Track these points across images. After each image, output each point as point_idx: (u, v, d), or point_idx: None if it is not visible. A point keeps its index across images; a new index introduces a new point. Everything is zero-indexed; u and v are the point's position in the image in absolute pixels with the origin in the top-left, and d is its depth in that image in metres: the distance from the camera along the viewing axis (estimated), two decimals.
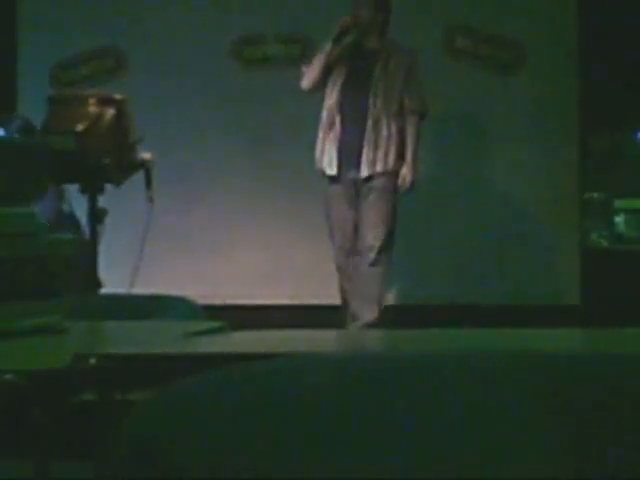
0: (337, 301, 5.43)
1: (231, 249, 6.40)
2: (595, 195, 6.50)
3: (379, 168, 5.17)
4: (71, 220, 4.80)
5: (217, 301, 5.37)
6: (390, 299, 6.11)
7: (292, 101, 6.17)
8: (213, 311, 3.43)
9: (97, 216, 3.85)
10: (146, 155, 4.08)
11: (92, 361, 2.06)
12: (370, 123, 5.15)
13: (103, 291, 4.18)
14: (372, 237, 5.17)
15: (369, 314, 5.16)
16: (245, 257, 6.38)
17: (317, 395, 1.24)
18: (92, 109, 3.79)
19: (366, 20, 5.23)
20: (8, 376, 1.95)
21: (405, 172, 5.21)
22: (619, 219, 6.48)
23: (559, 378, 1.27)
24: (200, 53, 6.45)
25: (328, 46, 5.21)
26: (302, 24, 6.34)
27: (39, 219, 2.72)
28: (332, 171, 5.21)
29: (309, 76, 5.27)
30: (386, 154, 5.18)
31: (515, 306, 6.03)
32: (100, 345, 2.60)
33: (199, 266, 6.33)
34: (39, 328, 2.47)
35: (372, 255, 5.16)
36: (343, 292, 5.35)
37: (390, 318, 5.36)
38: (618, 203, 6.49)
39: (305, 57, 6.01)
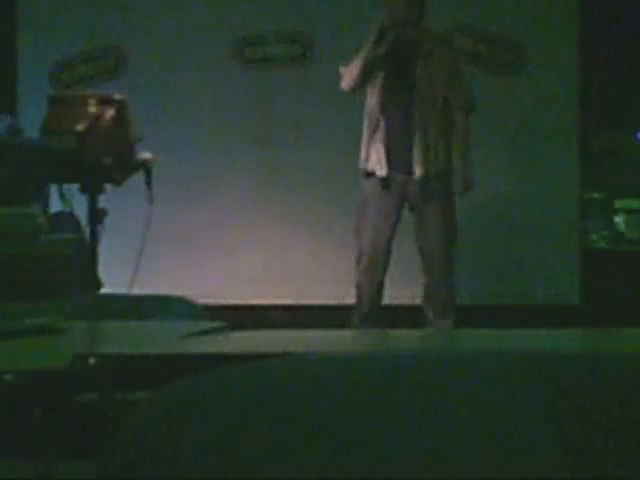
0: (337, 301, 5.43)
1: (231, 249, 6.40)
2: (595, 195, 6.50)
3: (433, 170, 5.03)
4: (71, 220, 4.79)
5: (217, 301, 5.36)
6: (390, 299, 6.10)
7: (293, 101, 6.17)
8: (213, 311, 3.43)
9: (97, 216, 3.85)
10: (146, 155, 4.08)
11: (92, 361, 2.06)
12: (417, 122, 4.99)
13: (103, 291, 4.18)
14: (437, 251, 5.11)
15: (445, 324, 5.13)
16: (245, 257, 6.37)
17: (317, 395, 1.24)
18: (92, 109, 3.79)
19: (399, 13, 5.03)
20: (8, 376, 1.96)
21: (461, 173, 5.06)
22: (619, 219, 6.48)
23: (559, 378, 1.27)
24: (200, 53, 6.44)
25: (367, 48, 5.02)
26: (303, 24, 6.34)
27: (39, 219, 2.72)
28: (382, 172, 5.04)
29: (349, 78, 5.07)
30: (436, 154, 5.04)
31: (515, 306, 6.03)
32: (100, 345, 2.60)
33: (199, 266, 6.33)
34: (39, 328, 2.47)
35: (440, 271, 5.14)
36: (360, 290, 5.24)
37: (390, 318, 5.36)
38: (618, 203, 6.49)
39: (305, 57, 6.02)
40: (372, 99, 5.08)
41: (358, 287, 5.24)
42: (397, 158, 5.03)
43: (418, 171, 5.00)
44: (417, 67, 5.03)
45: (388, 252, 5.20)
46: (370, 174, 5.10)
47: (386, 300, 5.75)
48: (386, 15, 5.04)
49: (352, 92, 5.12)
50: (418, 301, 6.14)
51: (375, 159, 5.05)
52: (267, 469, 1.18)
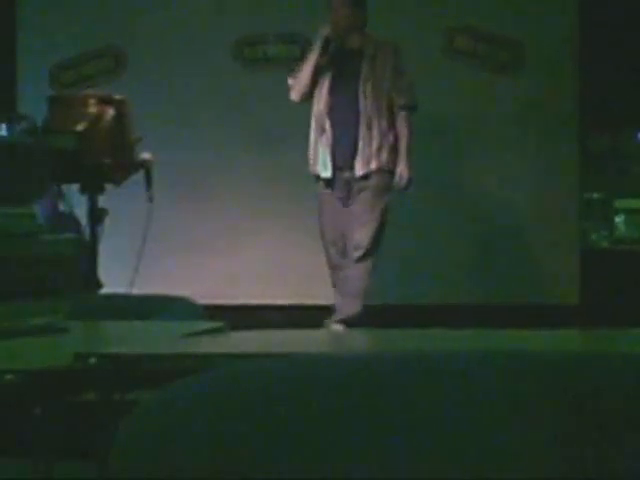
0: None
1: (231, 249, 6.40)
2: (595, 195, 6.50)
3: (373, 166, 5.17)
4: (71, 220, 4.79)
5: (217, 301, 5.36)
6: (391, 299, 6.11)
7: (292, 101, 6.17)
8: (213, 311, 3.43)
9: (97, 216, 3.85)
10: (146, 155, 4.08)
11: (92, 361, 2.06)
12: (362, 123, 5.15)
13: (103, 291, 4.18)
14: (360, 235, 5.16)
15: (348, 309, 5.13)
16: (245, 257, 6.37)
17: (316, 395, 1.25)
18: (92, 109, 3.79)
19: (346, 20, 5.21)
20: (8, 376, 1.96)
21: (401, 170, 5.20)
22: (619, 219, 6.48)
23: (559, 378, 1.27)
24: (200, 53, 6.44)
25: (313, 57, 5.21)
26: (302, 24, 6.34)
27: (39, 219, 2.72)
28: (327, 173, 5.21)
29: (298, 88, 5.28)
30: (379, 151, 5.17)
31: (515, 306, 6.03)
32: (100, 345, 2.60)
33: (199, 266, 6.33)
34: (39, 328, 2.47)
35: (358, 253, 5.16)
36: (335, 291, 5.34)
37: (390, 317, 5.36)
38: (618, 203, 6.49)
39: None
40: (319, 104, 5.24)
41: (334, 288, 5.34)
42: (342, 158, 5.18)
43: (359, 168, 5.16)
44: (362, 71, 5.19)
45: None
46: (318, 177, 5.26)
47: (382, 300, 5.77)
48: (331, 25, 5.21)
49: (301, 101, 5.30)
50: (412, 301, 6.17)
51: (321, 162, 5.21)
52: (266, 469, 1.18)
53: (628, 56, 6.19)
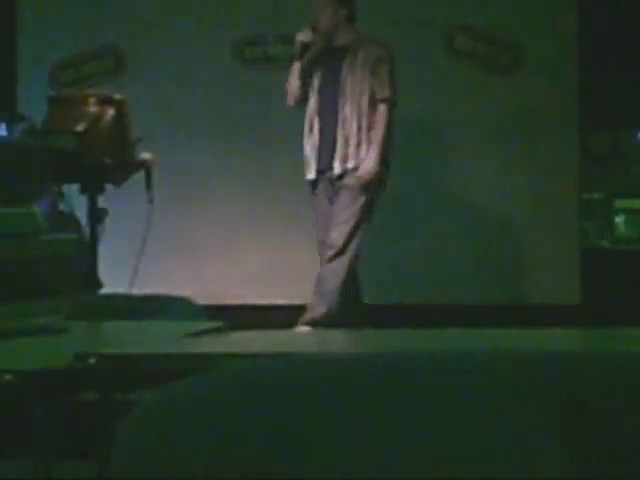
0: None
1: (231, 249, 6.40)
2: (595, 195, 6.50)
3: (350, 165, 5.12)
4: (71, 220, 4.79)
5: (217, 301, 5.36)
6: (390, 299, 6.11)
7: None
8: (213, 311, 3.43)
9: (97, 216, 3.85)
10: (146, 155, 4.08)
11: (92, 361, 2.06)
12: (341, 121, 5.13)
13: (103, 291, 4.18)
14: (335, 234, 5.11)
15: (315, 310, 5.07)
16: (245, 257, 6.37)
17: (316, 395, 1.25)
18: (92, 109, 3.79)
19: (329, 18, 5.20)
20: (8, 376, 1.96)
21: (366, 161, 5.10)
22: (619, 219, 6.48)
23: (559, 378, 1.27)
24: (200, 53, 6.44)
25: (295, 64, 5.25)
26: (302, 24, 6.34)
27: (39, 219, 2.72)
28: (311, 175, 5.22)
29: (290, 94, 5.31)
30: (357, 149, 5.12)
31: (515, 306, 6.03)
32: (100, 345, 2.60)
33: (199, 266, 6.33)
34: (39, 328, 2.47)
35: (331, 252, 5.10)
36: None
37: (389, 318, 5.36)
38: (618, 203, 6.49)
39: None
40: (310, 105, 5.26)
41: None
42: (325, 157, 5.17)
43: (336, 167, 5.14)
44: (343, 68, 5.17)
45: None
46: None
47: (381, 300, 5.77)
48: (315, 23, 5.20)
49: (297, 105, 5.32)
50: (413, 300, 6.16)
51: (307, 164, 5.23)
52: (267, 469, 1.18)
53: (628, 56, 6.19)
